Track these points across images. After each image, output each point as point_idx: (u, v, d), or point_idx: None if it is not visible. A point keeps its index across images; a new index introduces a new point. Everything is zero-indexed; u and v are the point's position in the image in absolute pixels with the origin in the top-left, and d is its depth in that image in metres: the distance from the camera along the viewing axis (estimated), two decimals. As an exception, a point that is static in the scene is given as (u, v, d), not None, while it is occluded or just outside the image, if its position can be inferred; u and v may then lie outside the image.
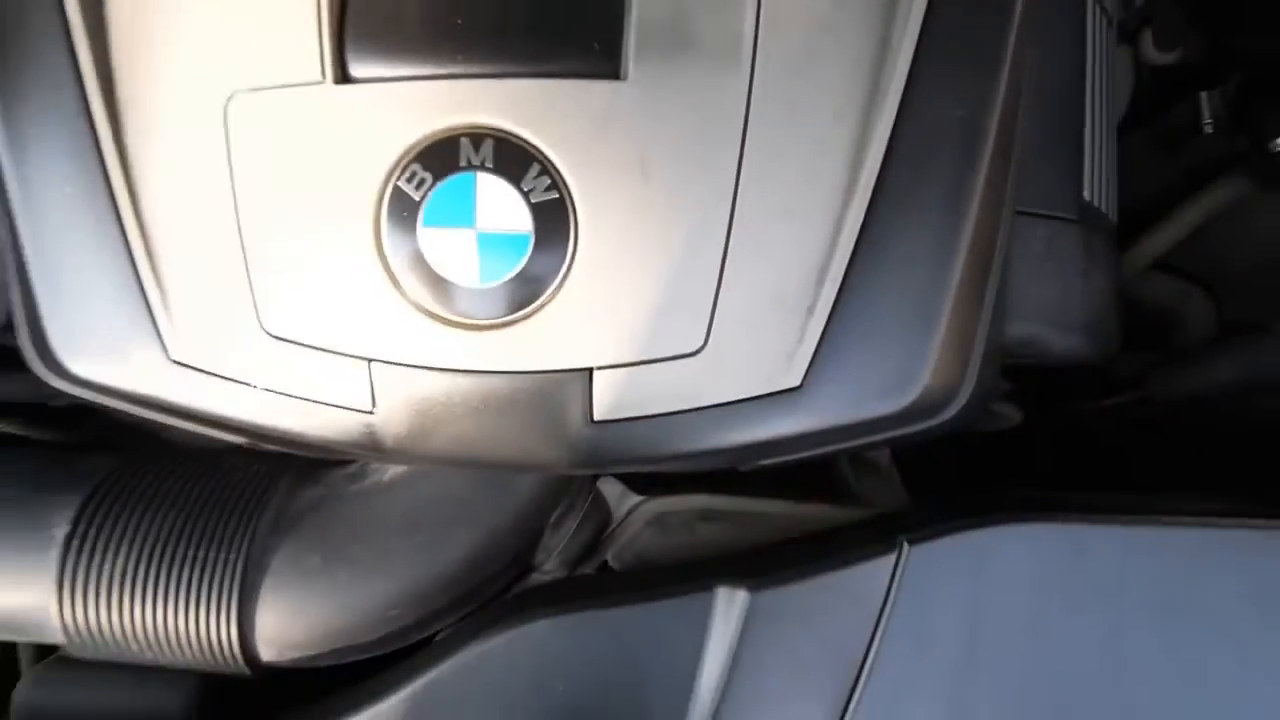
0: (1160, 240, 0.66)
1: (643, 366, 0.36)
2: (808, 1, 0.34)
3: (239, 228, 0.36)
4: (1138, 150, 0.68)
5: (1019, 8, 0.37)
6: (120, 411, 0.47)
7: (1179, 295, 0.69)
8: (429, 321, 0.35)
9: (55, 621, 0.44)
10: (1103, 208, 0.53)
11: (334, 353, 0.36)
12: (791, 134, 0.34)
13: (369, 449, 0.39)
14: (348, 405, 0.37)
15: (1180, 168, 0.65)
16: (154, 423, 0.58)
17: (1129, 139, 0.69)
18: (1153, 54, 0.65)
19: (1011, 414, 0.60)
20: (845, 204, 0.36)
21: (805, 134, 0.35)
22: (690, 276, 0.35)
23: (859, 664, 0.39)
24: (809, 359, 0.36)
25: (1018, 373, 0.58)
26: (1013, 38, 0.37)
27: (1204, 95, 0.58)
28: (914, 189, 0.36)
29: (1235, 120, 0.56)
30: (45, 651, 0.53)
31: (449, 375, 0.36)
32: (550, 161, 0.34)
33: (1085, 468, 0.68)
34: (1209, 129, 0.57)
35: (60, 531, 0.44)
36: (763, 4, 0.34)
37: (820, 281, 0.36)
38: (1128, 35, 0.66)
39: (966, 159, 0.36)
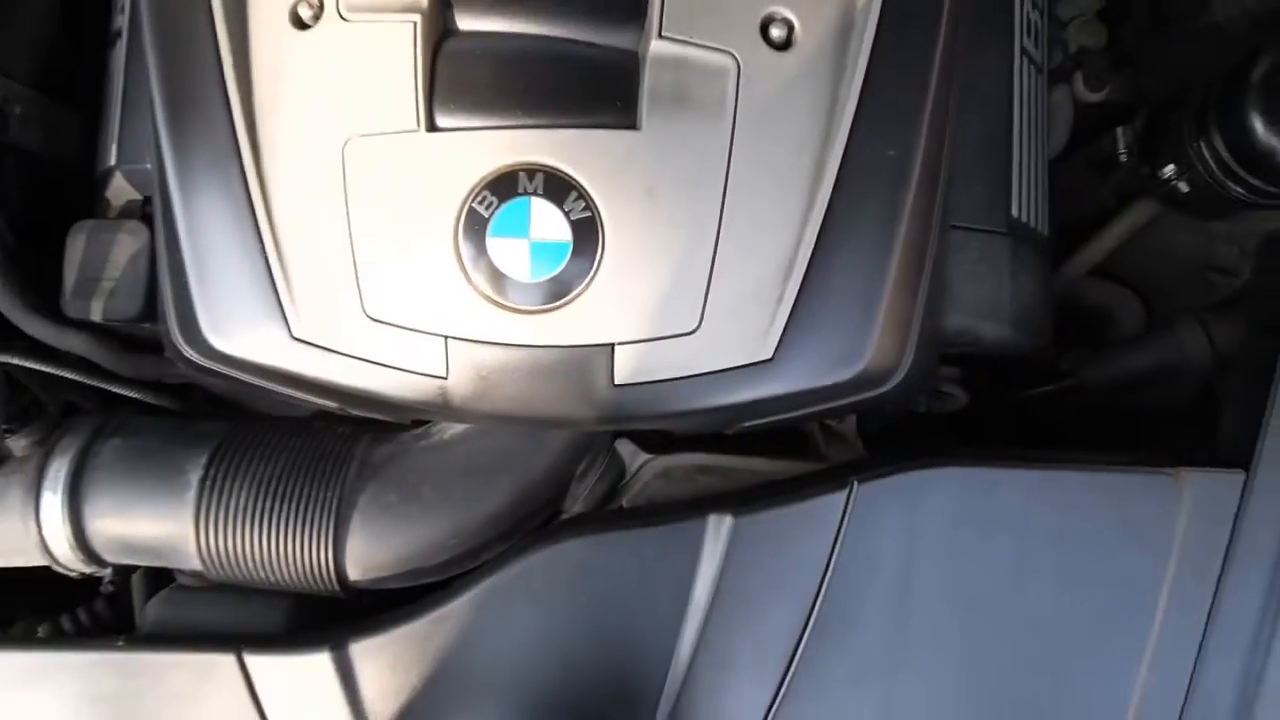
0: (1095, 250, 0.77)
1: (652, 343, 0.48)
2: (776, 72, 0.46)
3: (350, 236, 0.48)
4: (1078, 173, 0.79)
5: (935, 74, 0.48)
6: (222, 387, 0.58)
7: (1114, 297, 0.80)
8: (492, 308, 0.47)
9: (192, 548, 0.56)
10: (1032, 223, 0.64)
11: (418, 331, 0.48)
12: (763, 170, 0.46)
13: (441, 408, 0.51)
14: (427, 372, 0.49)
15: (1110, 189, 0.76)
16: (246, 396, 0.70)
17: (1072, 163, 0.81)
18: (1084, 93, 0.77)
19: (960, 396, 0.71)
20: (805, 221, 0.47)
21: (774, 170, 0.46)
22: (687, 275, 0.47)
23: (820, 576, 0.51)
24: (779, 337, 0.48)
25: (963, 361, 0.69)
26: (931, 95, 0.48)
27: (1119, 129, 0.69)
28: (857, 210, 0.48)
29: (1139, 151, 0.67)
30: (154, 589, 0.65)
31: (506, 349, 0.48)
32: (585, 189, 0.45)
33: (1024, 443, 0.79)
34: (1123, 158, 0.69)
35: (195, 476, 0.56)
36: (741, 74, 0.46)
37: (786, 279, 0.47)
38: (1065, 76, 0.78)
39: (896, 187, 0.48)
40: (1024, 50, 0.64)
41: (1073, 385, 0.75)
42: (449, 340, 0.48)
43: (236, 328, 0.50)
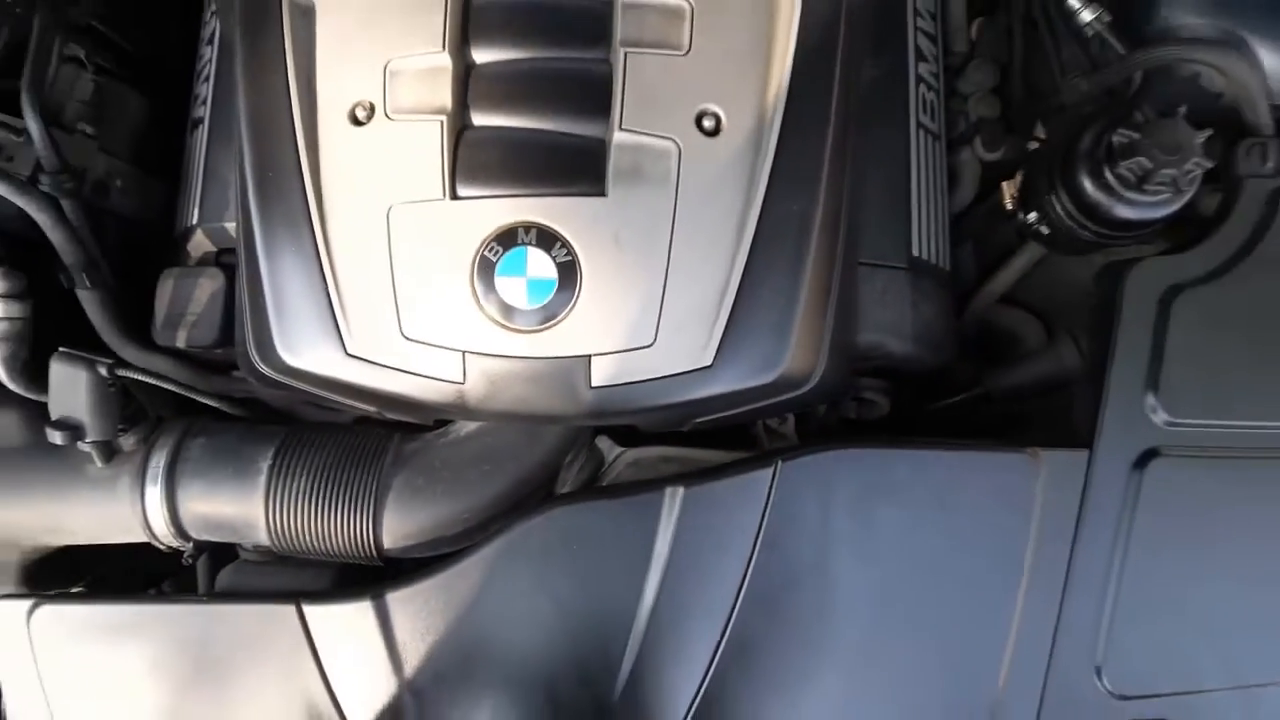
0: (1001, 282, 0.92)
1: (620, 354, 0.63)
2: (708, 153, 0.62)
3: (392, 277, 0.63)
4: (986, 218, 0.95)
5: (829, 150, 0.64)
6: (278, 400, 0.73)
7: (1019, 321, 0.95)
8: (498, 329, 0.62)
9: (262, 525, 0.70)
10: (932, 260, 0.80)
11: (442, 347, 0.63)
12: (700, 225, 0.62)
13: (459, 408, 0.66)
14: (449, 379, 0.64)
15: (1012, 231, 0.92)
16: (296, 408, 0.85)
17: (981, 209, 0.97)
18: (983, 153, 0.93)
19: (883, 404, 0.86)
20: (733, 262, 0.63)
21: (708, 225, 0.62)
22: (645, 302, 0.62)
23: (755, 534, 0.65)
24: (716, 349, 0.63)
25: (882, 373, 0.84)
26: (826, 166, 0.64)
27: (1004, 183, 0.85)
28: (772, 252, 0.63)
29: (1019, 201, 0.83)
30: (217, 567, 0.79)
31: (509, 360, 0.63)
32: (568, 240, 0.61)
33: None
34: (1009, 206, 0.85)
35: (265, 466, 0.70)
36: (682, 155, 0.62)
37: (720, 305, 0.63)
38: (968, 140, 0.95)
39: (802, 235, 0.64)
40: (920, 124, 0.81)
41: (982, 394, 0.90)
42: (465, 354, 0.63)
43: (304, 347, 0.65)
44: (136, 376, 0.71)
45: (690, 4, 0.63)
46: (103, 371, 0.68)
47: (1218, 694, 0.70)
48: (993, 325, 0.96)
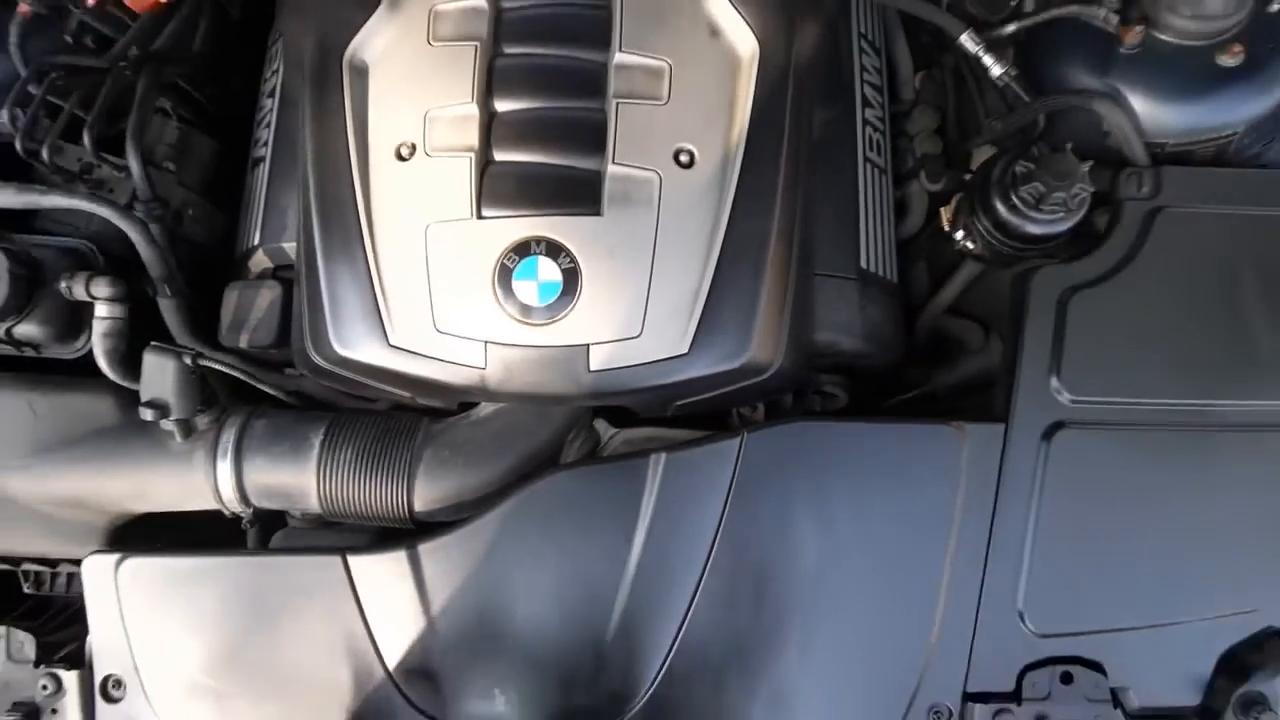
0: (946, 296, 1.07)
1: (613, 343, 0.77)
2: (684, 182, 0.78)
3: (428, 281, 0.78)
4: (932, 240, 1.10)
5: (782, 179, 0.79)
6: (324, 393, 0.87)
7: (964, 329, 1.09)
8: (514, 323, 0.77)
9: (314, 493, 0.83)
10: (880, 272, 0.95)
11: (468, 339, 0.78)
12: (678, 240, 0.77)
13: (481, 391, 0.80)
14: (473, 365, 0.78)
15: (953, 251, 1.07)
16: (337, 398, 0.98)
17: (930, 231, 1.11)
18: (928, 185, 1.09)
19: (842, 397, 1.00)
20: (705, 268, 0.78)
21: (684, 239, 0.77)
22: (634, 300, 0.76)
23: (725, 494, 0.78)
24: (691, 339, 0.77)
25: (839, 369, 0.98)
26: (780, 192, 0.79)
27: (941, 209, 1.00)
28: (737, 261, 0.78)
29: (955, 224, 0.98)
30: (264, 538, 0.92)
31: (523, 349, 0.77)
32: (571, 251, 0.76)
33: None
34: (947, 228, 0.99)
35: (316, 442, 0.84)
36: (662, 184, 0.77)
37: (695, 302, 0.77)
38: (915, 174, 1.10)
39: (761, 247, 0.79)
40: (867, 158, 0.97)
41: (929, 391, 1.04)
42: (487, 344, 0.77)
43: (354, 340, 0.80)
44: (214, 366, 0.85)
45: (669, 64, 0.79)
46: (187, 361, 0.82)
47: (1127, 632, 0.82)
48: (941, 332, 1.10)
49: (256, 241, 0.95)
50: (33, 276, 0.81)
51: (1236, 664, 0.82)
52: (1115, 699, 0.81)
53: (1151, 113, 0.85)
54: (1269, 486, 0.82)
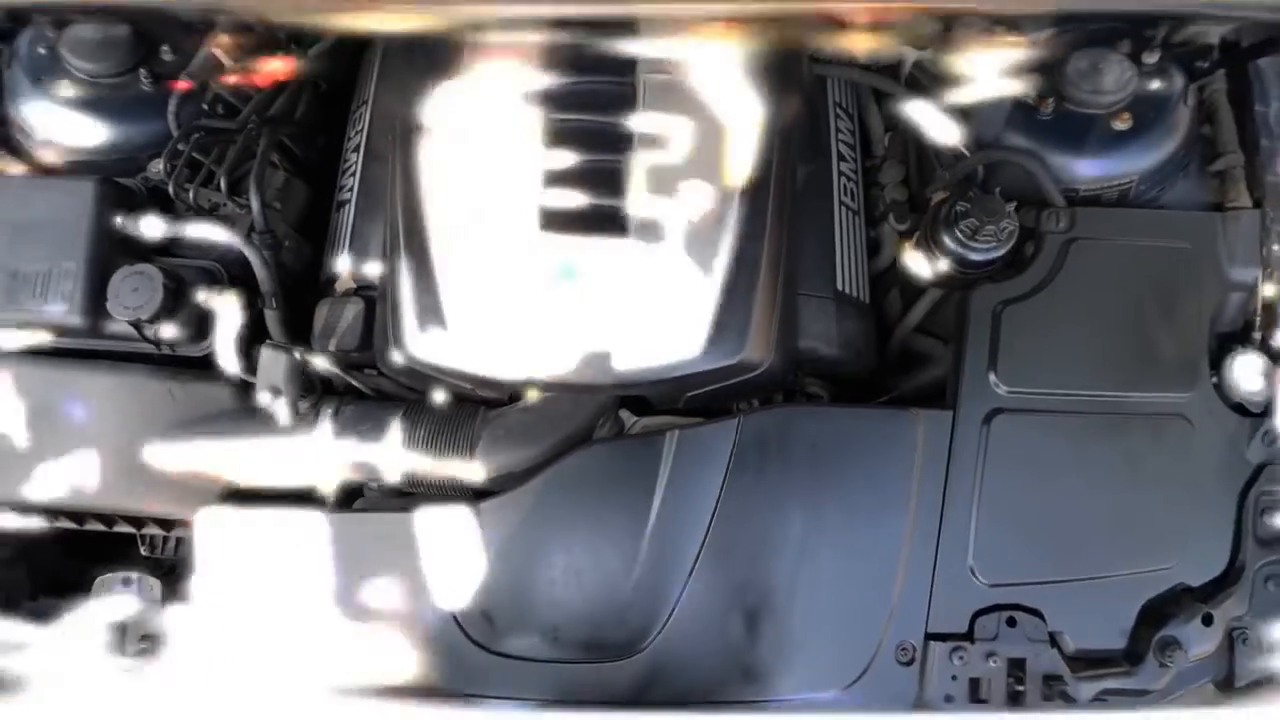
0: (914, 317, 1.26)
1: (639, 344, 0.97)
2: (696, 220, 0.99)
3: (486, 297, 0.98)
4: (904, 270, 1.31)
5: (770, 218, 1.01)
6: (394, 391, 1.07)
7: (930, 345, 1.28)
8: (557, 327, 0.97)
9: (392, 466, 1.02)
10: (853, 293, 1.15)
11: (519, 342, 0.98)
12: (690, 262, 0.98)
13: (529, 382, 0.99)
14: (522, 363, 0.98)
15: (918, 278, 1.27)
16: (404, 394, 1.17)
17: (901, 262, 1.32)
18: (896, 226, 1.30)
19: (825, 398, 1.19)
20: (711, 286, 0.98)
21: (695, 261, 0.98)
22: (655, 308, 0.97)
23: (726, 464, 0.97)
24: (704, 341, 0.97)
25: (821, 374, 1.18)
26: (769, 227, 1.01)
27: (905, 243, 1.21)
28: (736, 280, 0.99)
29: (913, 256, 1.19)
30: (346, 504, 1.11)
31: (563, 349, 0.97)
32: (604, 270, 0.97)
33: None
34: (908, 261, 1.20)
35: (395, 423, 1.03)
36: (677, 220, 0.98)
37: (705, 312, 0.98)
38: (886, 217, 1.31)
39: (754, 271, 0.99)
40: (842, 202, 1.19)
41: (898, 396, 1.23)
42: (535, 346, 0.98)
43: (426, 344, 1.00)
44: (315, 363, 1.05)
45: (682, 127, 1.02)
46: (297, 356, 1.02)
47: (1061, 584, 0.99)
48: (911, 349, 1.30)
49: (343, 267, 1.16)
50: (177, 289, 1.02)
51: (1155, 613, 0.99)
52: (1053, 641, 0.98)
53: (1064, 164, 1.07)
54: (1172, 464, 1.01)
